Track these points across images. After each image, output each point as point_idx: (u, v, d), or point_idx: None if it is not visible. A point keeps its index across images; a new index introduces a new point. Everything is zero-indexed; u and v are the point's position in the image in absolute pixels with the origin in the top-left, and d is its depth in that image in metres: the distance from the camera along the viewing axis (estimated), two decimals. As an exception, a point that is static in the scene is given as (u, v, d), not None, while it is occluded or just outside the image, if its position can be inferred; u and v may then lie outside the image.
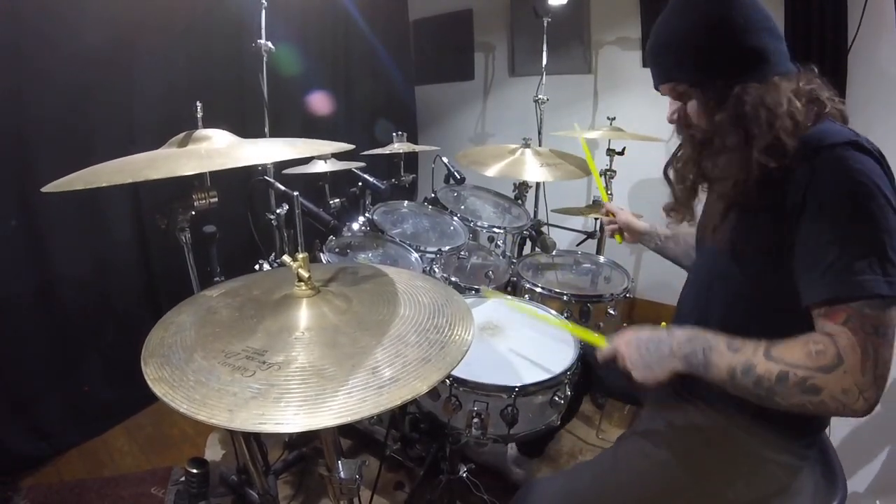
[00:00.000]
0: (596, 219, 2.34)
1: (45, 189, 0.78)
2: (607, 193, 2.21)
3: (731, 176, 0.83)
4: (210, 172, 1.17)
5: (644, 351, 0.87)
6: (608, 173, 2.28)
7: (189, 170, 0.79)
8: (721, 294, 0.90)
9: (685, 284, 1.08)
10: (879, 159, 0.73)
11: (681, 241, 1.28)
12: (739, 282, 0.85)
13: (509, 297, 1.56)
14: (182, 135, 0.98)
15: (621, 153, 2.27)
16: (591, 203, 2.30)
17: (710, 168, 0.88)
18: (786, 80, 0.80)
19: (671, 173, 1.01)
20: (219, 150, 0.92)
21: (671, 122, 0.94)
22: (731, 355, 0.77)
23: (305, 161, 1.93)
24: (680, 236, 1.29)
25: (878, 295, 0.67)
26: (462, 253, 1.78)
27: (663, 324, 1.04)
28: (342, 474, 0.85)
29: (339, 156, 1.93)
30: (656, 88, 0.94)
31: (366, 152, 2.15)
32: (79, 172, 0.83)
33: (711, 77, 0.83)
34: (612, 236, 1.47)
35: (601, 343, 0.99)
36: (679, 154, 0.98)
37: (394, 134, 2.15)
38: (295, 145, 0.98)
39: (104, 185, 0.74)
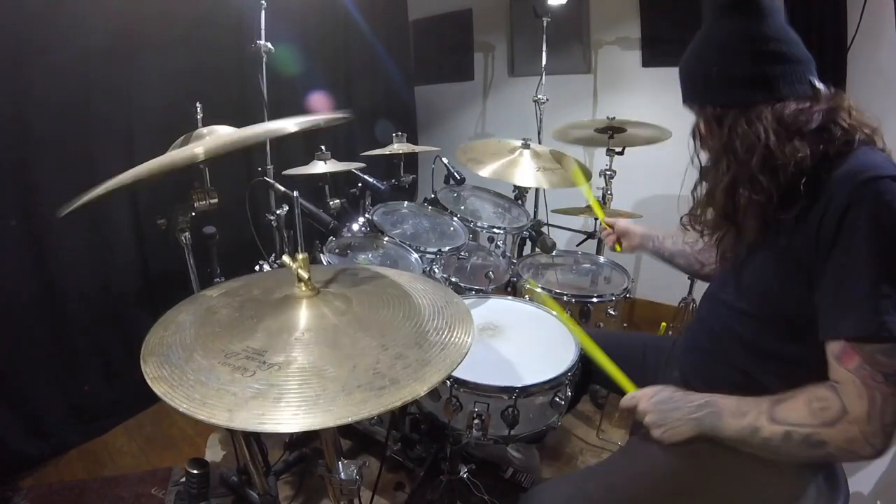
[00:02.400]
0: (596, 219, 2.34)
1: (61, 213, 0.79)
2: (601, 206, 2.22)
3: (716, 200, 0.87)
4: (210, 173, 1.17)
5: (663, 410, 0.90)
6: (608, 173, 2.28)
7: (200, 151, 0.79)
8: (744, 319, 0.88)
9: (703, 298, 1.07)
10: None
11: (679, 244, 1.29)
12: (766, 310, 0.84)
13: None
14: (181, 138, 0.98)
15: (621, 153, 2.27)
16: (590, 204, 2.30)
17: (709, 185, 0.91)
18: (789, 107, 0.79)
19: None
20: (223, 134, 0.92)
21: (692, 137, 0.96)
22: (737, 421, 0.79)
23: (305, 162, 1.93)
24: (678, 239, 1.29)
25: None
26: (462, 253, 1.78)
27: (663, 324, 1.04)
28: (342, 475, 0.85)
29: (338, 156, 1.93)
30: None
31: (366, 153, 2.15)
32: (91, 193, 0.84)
33: (704, 103, 0.87)
34: (612, 248, 1.47)
35: (629, 389, 1.00)
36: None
37: (393, 134, 2.15)
38: (294, 121, 0.98)
39: (113, 187, 0.74)
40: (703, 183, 0.93)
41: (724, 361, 0.91)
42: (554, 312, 1.42)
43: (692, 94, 0.91)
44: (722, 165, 0.86)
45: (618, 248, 1.45)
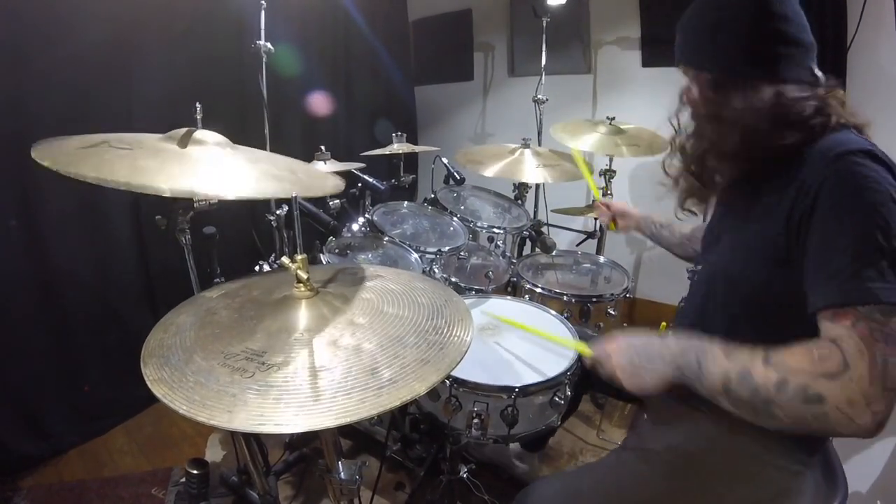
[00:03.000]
0: (596, 218, 2.34)
1: (34, 153, 0.78)
2: (600, 191, 2.22)
3: (716, 168, 0.87)
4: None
5: (635, 357, 0.84)
6: (608, 173, 2.28)
7: (168, 189, 0.77)
8: (725, 304, 0.88)
9: (688, 295, 1.08)
10: (893, 170, 0.71)
11: (675, 230, 1.30)
12: (745, 292, 0.84)
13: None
14: (184, 131, 0.97)
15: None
16: (590, 203, 2.30)
17: (696, 147, 0.92)
18: (789, 90, 0.79)
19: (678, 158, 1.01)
20: (207, 162, 0.90)
21: (679, 98, 0.95)
22: (726, 362, 0.73)
23: (305, 162, 1.93)
24: (674, 226, 1.30)
25: (887, 302, 0.65)
26: (462, 253, 1.78)
27: (663, 324, 1.04)
28: (342, 475, 0.85)
29: (338, 156, 1.93)
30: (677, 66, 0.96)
31: (365, 153, 2.15)
32: (75, 141, 0.83)
33: (702, 67, 0.86)
34: (606, 225, 1.48)
35: (585, 351, 0.96)
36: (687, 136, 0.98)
37: (393, 134, 2.15)
38: (291, 177, 0.96)
39: (92, 175, 0.74)
40: (683, 148, 0.95)
41: None
42: (554, 312, 1.43)
43: (691, 56, 0.89)
44: (705, 132, 0.87)
45: (612, 225, 1.45)
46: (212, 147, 0.96)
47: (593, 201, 2.00)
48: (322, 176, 1.09)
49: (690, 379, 0.77)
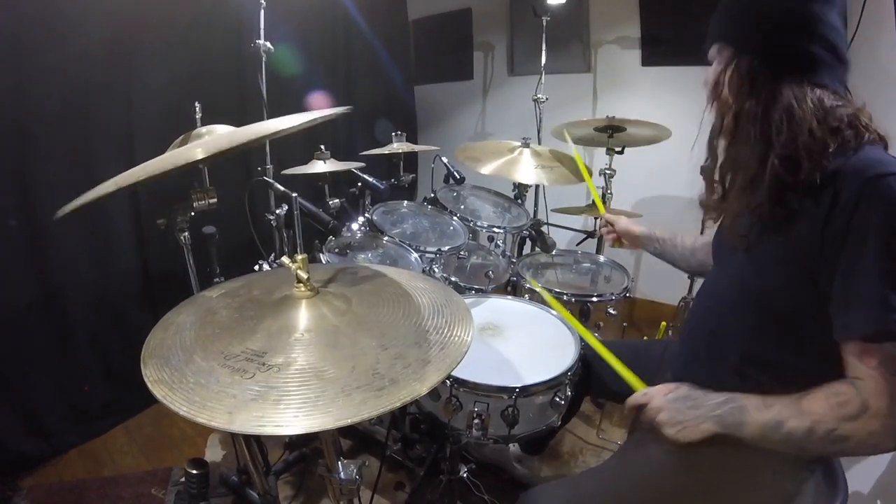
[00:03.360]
0: (596, 218, 2.34)
1: (58, 215, 0.79)
2: (602, 202, 2.21)
3: (747, 168, 0.81)
4: (209, 173, 1.17)
5: (681, 408, 0.86)
6: (608, 173, 2.27)
7: (199, 153, 0.78)
8: (744, 315, 0.87)
9: (694, 304, 1.07)
10: None
11: (678, 244, 1.28)
12: (767, 304, 0.83)
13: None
14: (180, 137, 0.98)
15: (621, 152, 2.26)
16: (590, 203, 2.30)
17: (732, 152, 0.87)
18: (827, 97, 0.78)
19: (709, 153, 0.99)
20: (222, 135, 0.91)
21: (705, 85, 0.90)
22: (762, 415, 0.77)
23: (305, 161, 1.93)
24: (677, 239, 1.28)
25: None
26: (462, 253, 1.78)
27: (663, 324, 1.04)
28: (342, 475, 0.85)
29: (338, 156, 1.93)
30: (706, 51, 0.91)
31: (365, 152, 2.15)
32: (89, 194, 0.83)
33: (759, 53, 0.80)
34: (612, 245, 1.48)
35: (638, 386, 0.96)
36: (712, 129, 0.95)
37: (393, 134, 2.15)
38: (294, 118, 0.97)
39: (113, 189, 0.74)
40: (721, 148, 0.89)
41: (720, 363, 0.90)
42: (555, 312, 1.42)
43: (733, 35, 0.84)
44: (750, 131, 0.81)
45: (617, 244, 1.46)
46: (219, 130, 0.97)
47: (597, 219, 2.02)
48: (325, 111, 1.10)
49: (731, 430, 0.80)
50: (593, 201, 2.26)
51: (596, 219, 2.35)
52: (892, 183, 0.69)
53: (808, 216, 0.75)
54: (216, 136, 0.87)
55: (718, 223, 1.04)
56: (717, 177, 0.95)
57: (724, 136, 0.89)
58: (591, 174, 1.60)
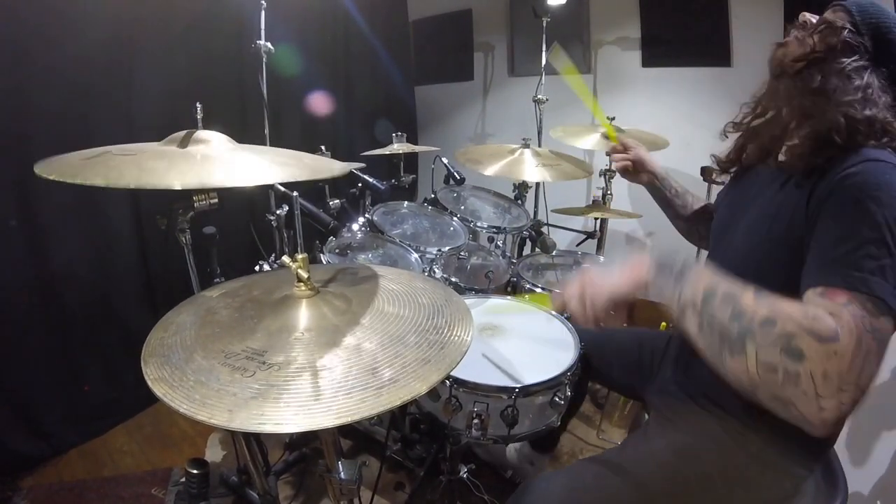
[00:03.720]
0: (596, 219, 2.34)
1: (37, 169, 0.78)
2: (604, 200, 2.21)
3: (815, 117, 0.81)
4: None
5: (602, 272, 0.83)
6: (608, 173, 2.28)
7: (178, 183, 0.77)
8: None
9: None
10: None
11: (688, 203, 1.28)
12: (755, 267, 0.82)
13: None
14: (183, 133, 0.98)
15: (621, 153, 2.26)
16: (591, 203, 2.30)
17: (790, 99, 0.87)
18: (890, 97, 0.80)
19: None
20: (214, 158, 0.90)
21: (802, 20, 0.90)
22: (713, 277, 0.71)
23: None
24: (687, 197, 1.29)
25: (879, 297, 0.64)
26: (462, 253, 1.78)
27: (663, 324, 1.04)
28: (342, 475, 0.85)
29: (338, 157, 1.93)
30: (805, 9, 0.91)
31: (365, 153, 2.15)
32: (76, 156, 0.83)
33: (871, 34, 0.81)
34: (621, 170, 1.34)
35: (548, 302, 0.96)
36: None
37: (393, 134, 2.15)
38: (292, 164, 0.95)
39: (99, 183, 0.74)
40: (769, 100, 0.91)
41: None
42: (553, 311, 1.42)
43: (859, 8, 0.83)
44: (828, 84, 0.81)
45: (624, 172, 1.34)
46: (215, 144, 0.96)
47: (603, 189, 1.93)
48: (327, 161, 1.08)
49: (666, 280, 0.76)
50: (594, 196, 2.28)
51: (596, 219, 2.35)
52: (883, 165, 0.71)
53: (802, 184, 0.78)
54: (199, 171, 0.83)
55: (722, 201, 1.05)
56: (753, 117, 0.96)
57: (787, 69, 0.88)
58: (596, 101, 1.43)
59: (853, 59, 0.80)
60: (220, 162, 0.90)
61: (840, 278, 0.67)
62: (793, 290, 0.72)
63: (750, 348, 0.63)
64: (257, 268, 1.49)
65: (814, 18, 0.88)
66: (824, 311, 0.64)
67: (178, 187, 0.76)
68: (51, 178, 0.75)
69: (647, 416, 0.95)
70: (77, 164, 0.81)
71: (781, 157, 0.88)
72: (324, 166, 1.02)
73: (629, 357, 1.24)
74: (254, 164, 0.93)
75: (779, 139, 0.90)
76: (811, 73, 0.83)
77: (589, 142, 2.07)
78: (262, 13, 1.83)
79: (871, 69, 0.80)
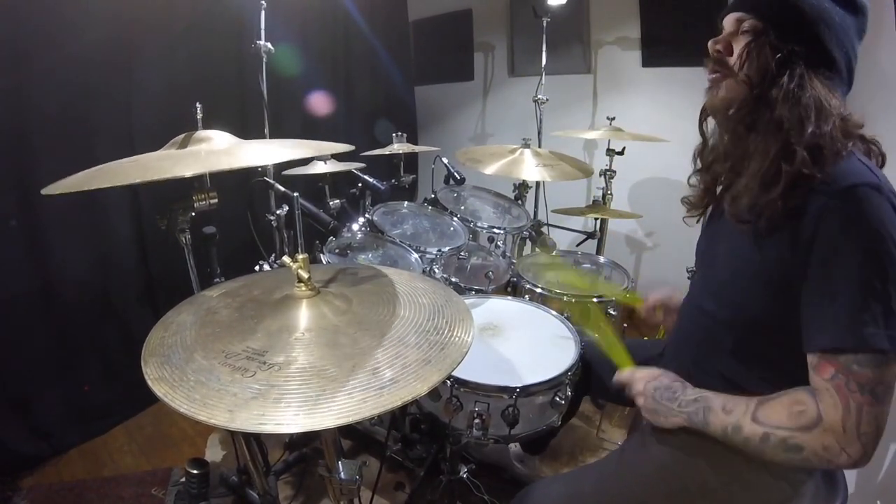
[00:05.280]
0: (596, 219, 2.34)
1: (45, 191, 0.78)
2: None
3: (764, 155, 0.75)
4: (210, 173, 1.17)
5: (658, 398, 0.90)
6: (608, 173, 2.28)
7: (189, 171, 0.79)
8: (730, 324, 0.87)
9: (680, 316, 1.07)
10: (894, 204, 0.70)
11: None
12: (748, 315, 0.83)
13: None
14: (182, 136, 0.98)
15: (621, 153, 2.27)
16: (591, 203, 2.31)
17: (742, 135, 0.82)
18: (839, 100, 0.77)
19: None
20: (219, 151, 0.92)
21: (710, 50, 0.84)
22: (724, 417, 0.80)
23: (305, 162, 1.93)
24: None
25: (876, 350, 0.67)
26: (462, 253, 1.78)
27: (661, 332, 1.04)
28: (342, 475, 0.85)
29: (338, 156, 1.93)
30: (721, 19, 0.86)
31: (366, 153, 2.15)
32: (80, 175, 0.83)
33: (793, 39, 0.75)
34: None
35: (625, 365, 1.01)
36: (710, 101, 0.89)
37: (393, 134, 2.15)
38: (295, 146, 0.97)
39: (105, 186, 0.74)
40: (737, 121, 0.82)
41: (709, 369, 0.91)
42: (554, 312, 1.42)
43: (769, 12, 0.77)
44: (773, 115, 0.75)
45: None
46: (218, 140, 0.97)
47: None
48: (329, 144, 1.08)
49: (697, 426, 0.84)
50: (593, 199, 2.27)
51: (596, 219, 2.35)
52: (858, 193, 0.69)
53: (780, 226, 0.75)
54: (209, 157, 0.85)
55: (704, 224, 1.04)
56: (709, 159, 0.93)
57: (731, 117, 0.83)
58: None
59: (791, 72, 0.74)
60: (225, 153, 0.90)
61: (832, 339, 0.70)
62: (769, 322, 0.80)
63: (767, 456, 0.76)
64: (257, 268, 1.49)
65: (720, 46, 0.83)
66: (808, 396, 0.73)
67: (188, 175, 0.78)
68: (56, 192, 0.76)
69: (645, 421, 0.96)
70: (83, 180, 0.81)
71: (732, 207, 0.82)
72: (326, 147, 1.04)
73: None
74: (260, 150, 0.94)
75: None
76: (756, 111, 0.79)
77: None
78: (262, 13, 1.82)
79: (810, 72, 0.74)
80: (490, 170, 1.93)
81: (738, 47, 0.80)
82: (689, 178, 1.04)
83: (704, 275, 1.00)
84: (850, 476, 0.94)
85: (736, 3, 0.82)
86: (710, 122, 0.95)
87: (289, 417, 0.59)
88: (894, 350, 0.67)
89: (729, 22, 0.83)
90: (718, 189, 0.95)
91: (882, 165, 0.81)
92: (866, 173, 0.72)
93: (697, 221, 1.06)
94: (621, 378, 0.98)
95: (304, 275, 0.79)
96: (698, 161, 0.99)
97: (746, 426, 0.77)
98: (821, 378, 0.71)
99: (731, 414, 0.79)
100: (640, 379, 0.94)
